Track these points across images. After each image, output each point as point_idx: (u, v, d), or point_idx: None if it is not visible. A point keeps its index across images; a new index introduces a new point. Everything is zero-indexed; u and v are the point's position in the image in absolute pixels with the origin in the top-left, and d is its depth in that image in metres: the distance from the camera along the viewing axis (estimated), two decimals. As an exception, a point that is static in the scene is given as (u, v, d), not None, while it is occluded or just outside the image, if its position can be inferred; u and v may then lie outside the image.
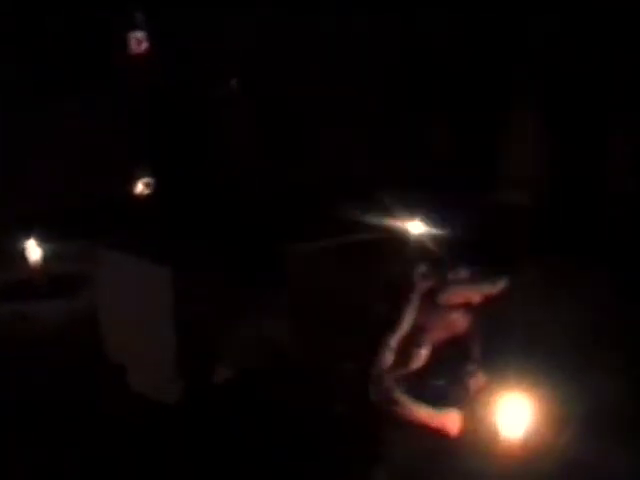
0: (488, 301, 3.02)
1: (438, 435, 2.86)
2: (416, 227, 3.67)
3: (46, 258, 4.34)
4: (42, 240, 4.35)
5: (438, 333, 3.07)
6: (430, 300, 3.07)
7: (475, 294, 3.01)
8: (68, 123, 5.05)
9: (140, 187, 5.02)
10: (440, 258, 3.23)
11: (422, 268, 3.08)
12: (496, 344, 3.01)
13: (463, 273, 3.05)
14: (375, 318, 2.98)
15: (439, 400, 2.93)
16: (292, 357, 3.13)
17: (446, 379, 2.98)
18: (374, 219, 3.62)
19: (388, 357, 2.96)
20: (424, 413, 2.88)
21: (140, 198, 4.99)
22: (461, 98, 5.25)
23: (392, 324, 2.97)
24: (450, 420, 2.88)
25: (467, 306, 3.02)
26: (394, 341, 2.97)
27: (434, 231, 3.60)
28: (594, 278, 3.97)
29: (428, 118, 5.43)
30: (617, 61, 4.79)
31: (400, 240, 3.49)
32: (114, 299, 3.38)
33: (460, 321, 3.08)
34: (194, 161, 4.90)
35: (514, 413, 2.70)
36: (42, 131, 5.00)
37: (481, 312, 3.01)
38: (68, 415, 3.13)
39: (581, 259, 4.13)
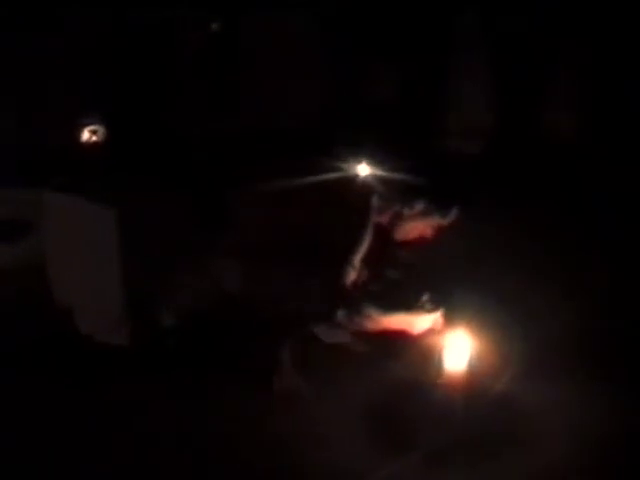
0: (440, 233, 3.07)
1: (402, 336, 2.96)
2: (364, 169, 3.69)
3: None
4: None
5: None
6: (385, 237, 3.12)
7: (428, 227, 3.06)
8: (17, 66, 4.92)
9: (87, 134, 4.93)
10: (391, 194, 3.25)
11: (376, 200, 3.10)
12: (440, 280, 3.06)
13: (418, 207, 3.08)
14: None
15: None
16: (242, 299, 3.14)
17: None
18: (323, 162, 3.63)
19: (351, 275, 3.02)
20: (389, 319, 2.95)
21: (87, 145, 4.90)
22: (410, 47, 5.24)
23: (354, 246, 3.02)
24: (413, 321, 2.99)
25: (421, 240, 3.08)
26: (356, 260, 3.03)
27: (382, 173, 3.63)
28: (539, 213, 4.07)
29: (378, 65, 5.42)
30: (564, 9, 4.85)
31: (349, 180, 3.51)
32: (61, 242, 3.35)
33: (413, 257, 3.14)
34: (146, 108, 4.81)
35: (458, 347, 2.77)
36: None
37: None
38: (17, 358, 3.12)
39: (526, 195, 4.23)
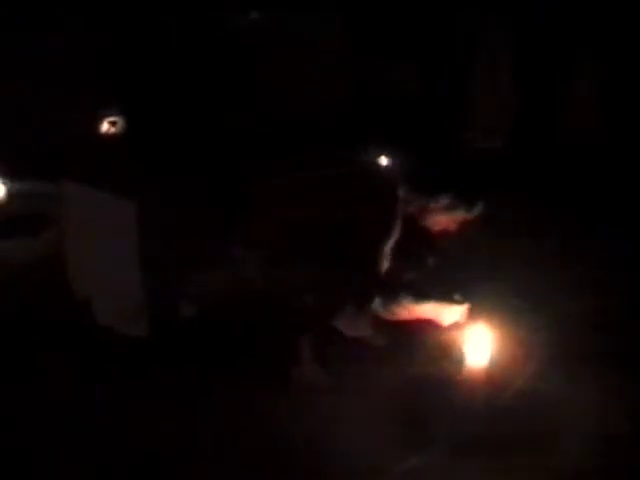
0: (463, 227, 3.08)
1: (432, 325, 2.99)
2: (386, 162, 3.68)
3: (10, 197, 4.28)
4: (6, 179, 4.28)
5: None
6: (413, 229, 3.12)
7: (452, 221, 3.06)
8: (37, 58, 4.91)
9: (106, 126, 4.93)
10: (417, 187, 3.25)
11: (402, 192, 3.10)
12: (462, 275, 3.05)
13: (443, 201, 3.08)
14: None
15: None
16: (262, 291, 3.13)
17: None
18: (346, 155, 3.60)
19: (385, 263, 3.02)
20: (422, 308, 2.95)
21: (106, 137, 4.90)
22: (431, 42, 5.22)
23: (383, 236, 3.02)
24: (444, 311, 3.02)
25: (445, 233, 3.08)
26: (388, 250, 3.03)
27: (404, 166, 3.61)
28: (558, 211, 4.05)
29: (400, 62, 5.40)
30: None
31: (372, 173, 3.49)
32: (79, 234, 3.35)
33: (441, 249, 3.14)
34: (166, 99, 4.78)
35: (479, 342, 2.74)
36: (8, 66, 4.85)
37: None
38: (36, 349, 3.12)
39: (546, 194, 4.21)
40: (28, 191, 4.34)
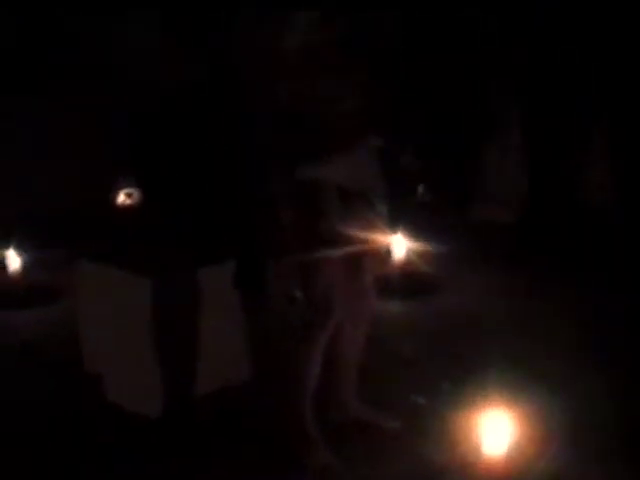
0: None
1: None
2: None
3: (25, 267, 4.29)
4: (22, 249, 4.29)
5: None
6: None
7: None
8: (51, 125, 4.93)
9: (122, 197, 4.96)
10: None
11: None
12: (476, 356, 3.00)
13: None
14: None
15: None
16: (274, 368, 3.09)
17: None
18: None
19: None
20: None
21: (121, 208, 4.93)
22: (440, 116, 5.22)
23: None
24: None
25: None
26: None
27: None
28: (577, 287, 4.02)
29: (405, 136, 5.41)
30: (599, 76, 4.78)
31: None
32: (93, 310, 3.34)
33: None
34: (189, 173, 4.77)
35: (496, 430, 2.68)
36: (21, 134, 4.88)
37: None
38: (45, 426, 3.08)
39: (562, 268, 4.19)
40: (43, 261, 4.35)
